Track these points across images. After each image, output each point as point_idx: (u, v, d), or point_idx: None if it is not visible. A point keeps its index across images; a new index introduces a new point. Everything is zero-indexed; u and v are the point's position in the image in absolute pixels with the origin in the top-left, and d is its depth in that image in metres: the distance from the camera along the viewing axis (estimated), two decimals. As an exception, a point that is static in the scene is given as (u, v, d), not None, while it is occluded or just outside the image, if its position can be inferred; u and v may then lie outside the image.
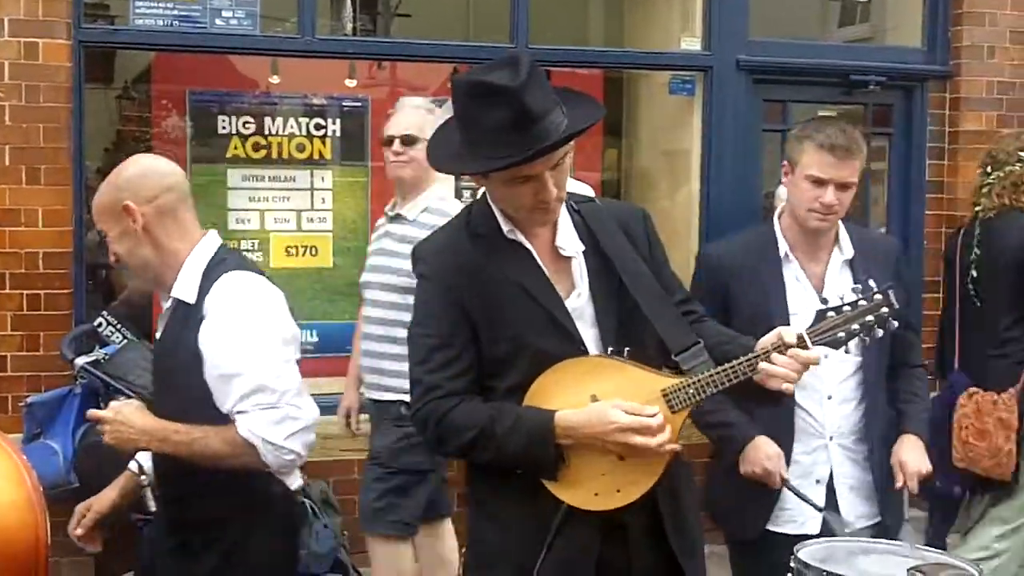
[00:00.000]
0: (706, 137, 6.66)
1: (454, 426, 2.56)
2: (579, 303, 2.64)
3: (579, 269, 2.66)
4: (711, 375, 2.53)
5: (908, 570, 2.82)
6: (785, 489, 3.33)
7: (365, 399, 4.92)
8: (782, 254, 3.42)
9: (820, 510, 3.31)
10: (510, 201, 2.59)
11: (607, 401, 2.50)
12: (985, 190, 4.89)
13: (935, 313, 6.08)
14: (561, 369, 2.55)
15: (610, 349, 2.60)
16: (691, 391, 2.53)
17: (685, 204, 6.94)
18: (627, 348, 2.59)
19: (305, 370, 6.25)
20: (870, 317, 2.56)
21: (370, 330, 4.70)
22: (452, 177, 5.47)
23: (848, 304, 2.56)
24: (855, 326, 2.56)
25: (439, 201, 4.61)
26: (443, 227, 2.77)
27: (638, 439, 2.47)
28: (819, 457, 3.37)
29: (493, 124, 2.44)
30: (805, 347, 2.53)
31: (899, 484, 3.30)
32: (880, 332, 2.58)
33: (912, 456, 3.34)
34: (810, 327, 2.56)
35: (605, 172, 7.53)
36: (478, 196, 2.76)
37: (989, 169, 4.91)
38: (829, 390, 3.36)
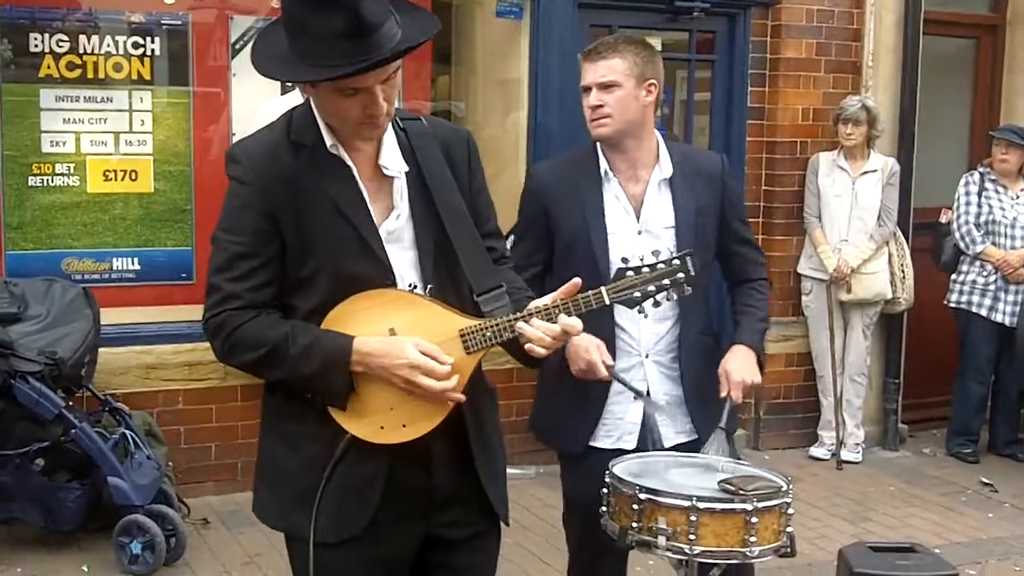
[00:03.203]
0: (533, 62, 6.67)
1: (248, 339, 2.50)
2: (397, 225, 2.58)
3: (400, 190, 2.60)
4: (509, 320, 2.53)
5: (719, 483, 2.95)
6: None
7: None
8: (602, 172, 3.43)
9: (639, 395, 3.41)
10: (337, 113, 2.49)
11: (409, 337, 2.48)
12: None
13: (760, 237, 6.59)
14: (363, 298, 2.51)
15: (413, 285, 2.57)
16: (488, 334, 2.52)
17: (514, 131, 6.96)
18: (430, 286, 2.57)
19: (128, 298, 6.15)
20: (666, 280, 2.61)
21: None
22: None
23: (647, 265, 2.61)
24: (651, 287, 2.60)
25: None
26: (263, 130, 2.63)
27: (423, 379, 2.45)
28: (636, 374, 3.44)
29: (325, 31, 2.34)
30: (598, 303, 2.56)
31: (723, 393, 3.35)
32: (674, 296, 2.65)
33: (737, 366, 3.39)
34: (609, 284, 2.59)
35: (436, 101, 7.46)
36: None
37: None
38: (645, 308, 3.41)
